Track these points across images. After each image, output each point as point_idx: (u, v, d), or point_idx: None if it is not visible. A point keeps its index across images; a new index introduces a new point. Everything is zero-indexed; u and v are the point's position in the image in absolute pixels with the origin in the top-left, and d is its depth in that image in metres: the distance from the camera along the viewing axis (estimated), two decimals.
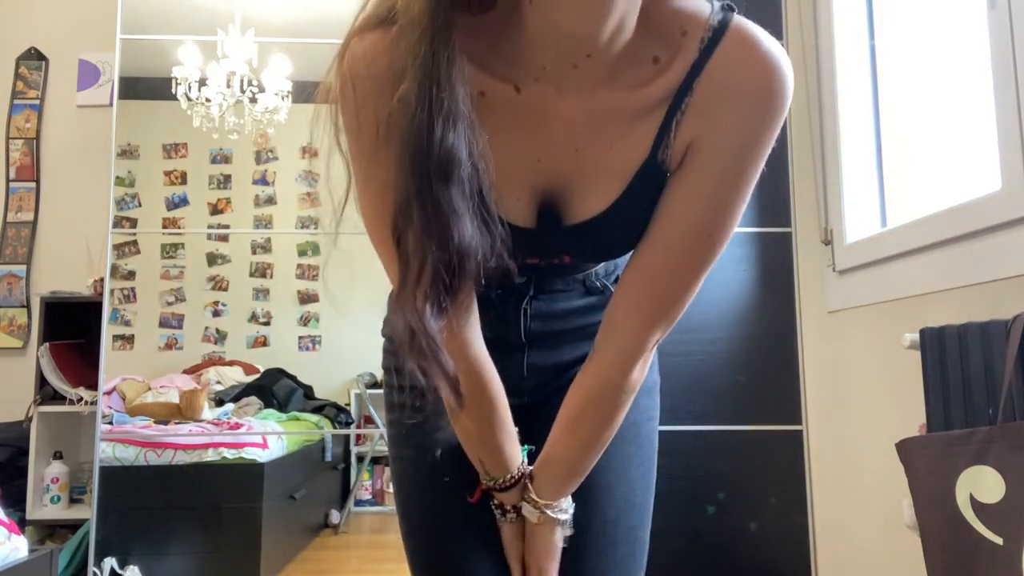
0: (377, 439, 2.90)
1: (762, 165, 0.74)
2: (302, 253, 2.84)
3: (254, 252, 2.85)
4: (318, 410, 2.79)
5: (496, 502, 0.91)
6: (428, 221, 0.64)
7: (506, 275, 0.70)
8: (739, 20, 0.71)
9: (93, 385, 2.53)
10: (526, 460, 0.90)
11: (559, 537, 0.89)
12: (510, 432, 0.88)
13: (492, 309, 0.87)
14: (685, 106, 0.72)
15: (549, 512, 0.87)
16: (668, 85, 0.71)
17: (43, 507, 2.58)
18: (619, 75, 0.71)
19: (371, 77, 0.68)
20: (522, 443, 0.91)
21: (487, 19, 0.71)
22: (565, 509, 0.89)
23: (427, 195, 0.64)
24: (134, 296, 2.81)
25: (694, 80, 0.71)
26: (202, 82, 2.73)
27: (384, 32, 0.69)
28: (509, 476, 0.88)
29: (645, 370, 0.85)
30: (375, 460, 2.95)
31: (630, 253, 0.84)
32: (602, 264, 0.94)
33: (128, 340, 2.78)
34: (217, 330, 2.82)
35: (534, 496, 0.88)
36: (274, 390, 2.77)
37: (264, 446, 2.53)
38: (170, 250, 2.83)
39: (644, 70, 0.72)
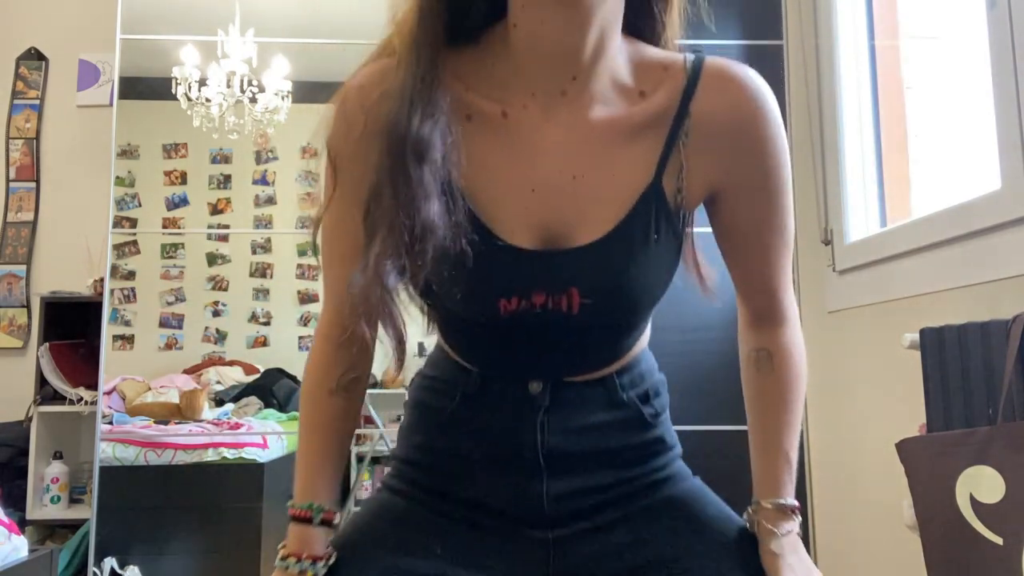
0: (377, 439, 2.90)
1: (788, 161, 0.84)
2: (302, 253, 2.84)
3: (254, 252, 2.85)
4: None
5: (284, 548, 0.79)
6: (398, 193, 0.70)
7: (461, 258, 0.72)
8: (711, 57, 0.78)
9: (93, 385, 2.53)
10: (338, 513, 0.82)
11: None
12: (334, 466, 0.84)
13: (501, 421, 0.81)
14: (687, 128, 0.76)
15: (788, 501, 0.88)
16: (659, 106, 0.76)
17: (43, 507, 2.58)
18: (607, 103, 0.76)
19: (360, 102, 0.75)
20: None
21: (477, 52, 0.77)
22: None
23: (400, 171, 0.70)
24: (134, 296, 2.80)
25: (688, 102, 0.75)
26: (202, 82, 2.73)
27: (376, 63, 0.77)
28: (312, 507, 0.80)
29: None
30: (375, 460, 2.95)
31: (641, 345, 0.89)
32: (628, 374, 0.87)
33: (128, 340, 2.78)
34: (217, 330, 2.82)
35: (763, 503, 0.90)
36: (274, 390, 2.76)
37: (264, 446, 2.53)
38: (170, 250, 2.83)
39: (632, 99, 0.77)
